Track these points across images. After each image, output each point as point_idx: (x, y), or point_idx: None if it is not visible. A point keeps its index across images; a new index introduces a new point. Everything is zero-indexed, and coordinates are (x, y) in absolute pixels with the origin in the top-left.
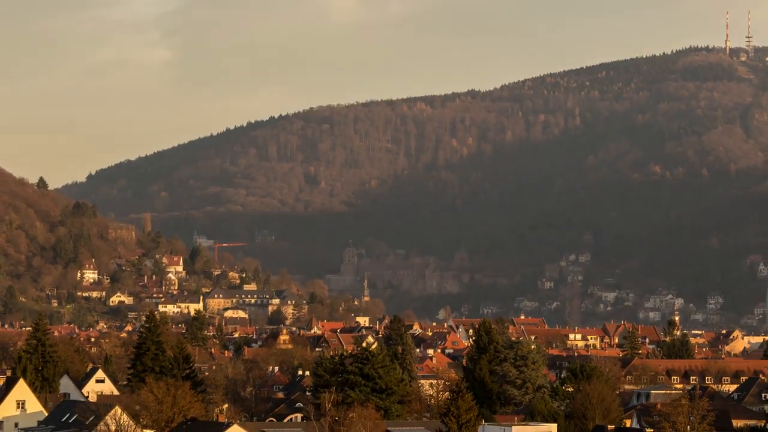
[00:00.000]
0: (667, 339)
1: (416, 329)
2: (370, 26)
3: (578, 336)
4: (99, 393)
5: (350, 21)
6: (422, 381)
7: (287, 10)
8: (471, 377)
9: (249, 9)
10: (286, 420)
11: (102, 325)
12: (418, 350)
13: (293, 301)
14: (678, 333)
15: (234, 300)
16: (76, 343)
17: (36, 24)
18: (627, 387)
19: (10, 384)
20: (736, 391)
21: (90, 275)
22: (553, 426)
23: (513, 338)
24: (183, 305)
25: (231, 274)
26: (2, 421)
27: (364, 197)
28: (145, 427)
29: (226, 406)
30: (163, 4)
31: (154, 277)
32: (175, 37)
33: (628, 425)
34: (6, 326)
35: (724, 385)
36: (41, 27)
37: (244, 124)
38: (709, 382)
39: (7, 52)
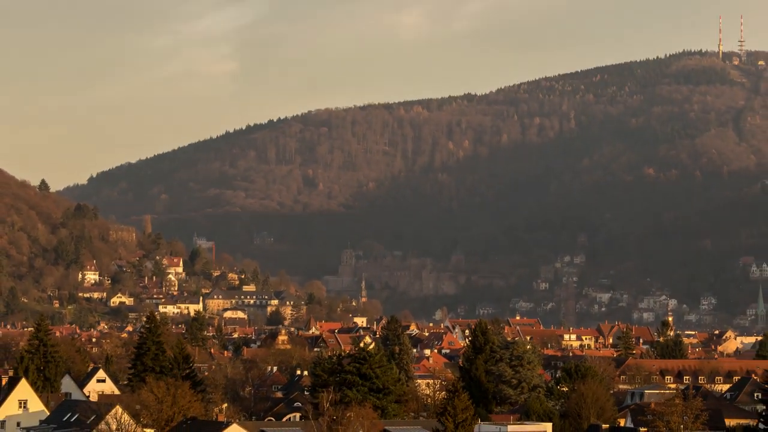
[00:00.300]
0: (661, 339)
1: (413, 330)
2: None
3: (573, 336)
4: (100, 392)
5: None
6: (419, 381)
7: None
8: (467, 377)
9: (315, 23)
10: (284, 419)
11: (103, 326)
12: (415, 350)
13: (292, 302)
14: (671, 333)
15: (233, 301)
16: (77, 343)
17: (119, 38)
18: (621, 387)
19: (12, 384)
20: (728, 390)
21: (91, 276)
22: (548, 425)
23: (509, 338)
24: (183, 306)
25: (230, 275)
26: (4, 420)
27: (362, 199)
28: (146, 426)
29: (226, 405)
30: (238, 18)
31: (154, 278)
32: (243, 50)
33: (622, 424)
34: (8, 327)
35: (717, 385)
36: (119, 41)
37: (243, 128)
38: (702, 381)
39: (77, 64)
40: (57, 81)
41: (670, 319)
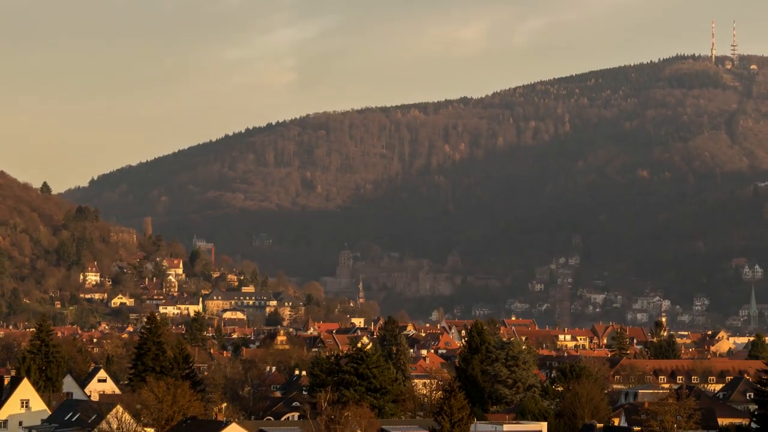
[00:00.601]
0: (655, 340)
1: (410, 330)
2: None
3: (568, 337)
4: (101, 392)
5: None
6: (416, 380)
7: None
8: (463, 377)
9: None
10: (283, 418)
11: (104, 326)
12: (411, 350)
13: (290, 303)
14: (665, 334)
15: (232, 302)
16: (78, 343)
17: (191, 54)
18: (615, 386)
19: (14, 383)
20: (721, 390)
21: (92, 277)
22: (544, 424)
23: (504, 339)
24: (183, 307)
25: (229, 276)
26: (7, 420)
27: (359, 201)
28: (146, 425)
29: (225, 404)
30: (305, 32)
31: (154, 279)
32: (304, 62)
33: (616, 424)
34: (11, 327)
35: (710, 385)
36: (187, 57)
37: (243, 131)
38: (696, 381)
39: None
40: (131, 85)
41: (664, 319)
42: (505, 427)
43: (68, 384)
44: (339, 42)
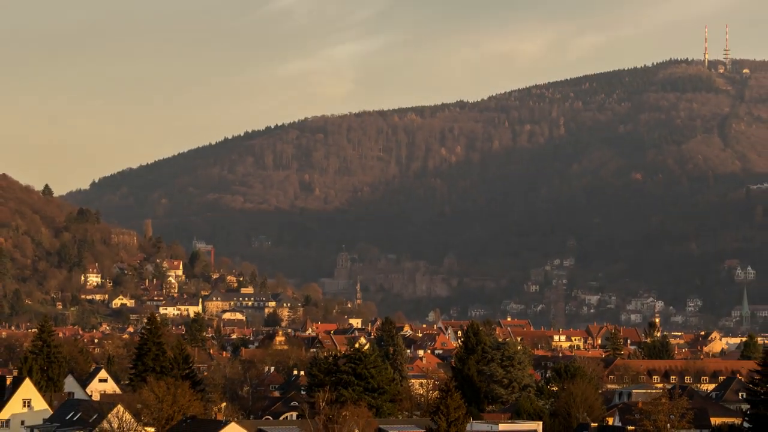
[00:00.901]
0: (648, 340)
1: (407, 331)
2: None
3: (563, 337)
4: (102, 392)
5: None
6: (413, 380)
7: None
8: (459, 377)
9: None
10: (281, 418)
11: (105, 327)
12: (408, 351)
13: (289, 304)
14: (658, 334)
15: (232, 303)
16: (79, 344)
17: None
18: (609, 386)
19: (16, 383)
20: (714, 390)
21: (93, 279)
22: (539, 424)
23: (500, 339)
24: (183, 308)
25: (229, 277)
26: (9, 419)
27: (357, 204)
28: (146, 424)
29: (224, 404)
30: (366, 44)
31: (155, 280)
32: (361, 75)
33: (610, 423)
34: (13, 328)
35: (702, 385)
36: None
37: (242, 134)
38: (689, 381)
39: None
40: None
41: (657, 320)
42: (501, 426)
43: (69, 384)
44: (396, 56)
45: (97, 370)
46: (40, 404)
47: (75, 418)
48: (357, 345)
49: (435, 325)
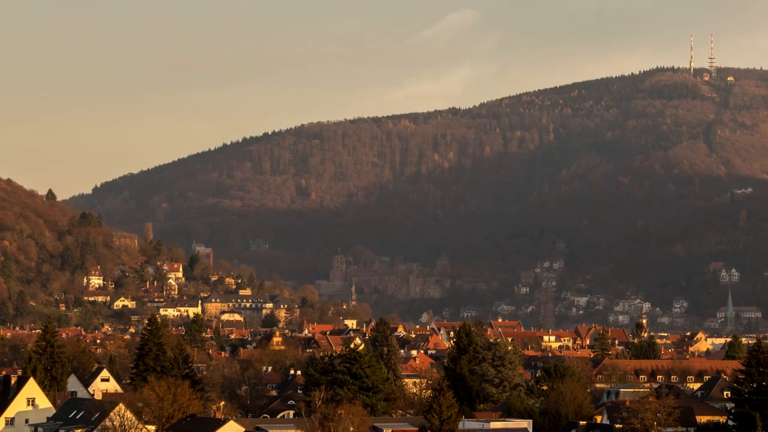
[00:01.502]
0: (636, 340)
1: (401, 331)
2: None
3: (552, 338)
4: (104, 391)
5: None
6: (406, 380)
7: None
8: (452, 376)
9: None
10: (279, 416)
11: (107, 328)
12: (402, 351)
13: (286, 305)
14: (645, 335)
15: (230, 304)
16: (82, 344)
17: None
18: (598, 385)
19: (21, 383)
20: (700, 389)
21: (95, 281)
22: (529, 422)
23: (491, 340)
24: (183, 309)
25: (227, 279)
26: (14, 418)
27: (352, 208)
28: (147, 423)
29: (223, 403)
30: (479, 68)
31: (155, 282)
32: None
33: (598, 421)
34: (17, 329)
35: (688, 384)
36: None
37: (240, 140)
38: (675, 380)
39: None
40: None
41: (644, 321)
42: (492, 424)
43: (72, 383)
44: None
45: (99, 370)
46: (44, 403)
47: (78, 417)
48: (352, 345)
49: (428, 326)
